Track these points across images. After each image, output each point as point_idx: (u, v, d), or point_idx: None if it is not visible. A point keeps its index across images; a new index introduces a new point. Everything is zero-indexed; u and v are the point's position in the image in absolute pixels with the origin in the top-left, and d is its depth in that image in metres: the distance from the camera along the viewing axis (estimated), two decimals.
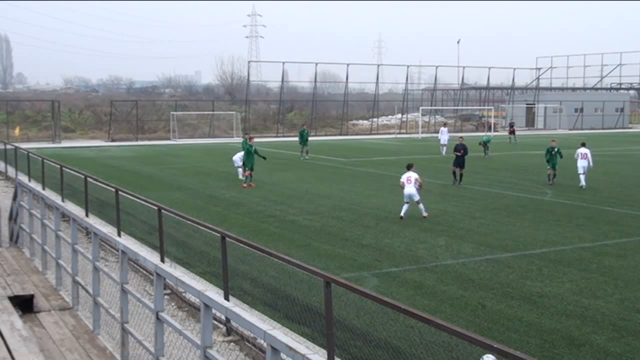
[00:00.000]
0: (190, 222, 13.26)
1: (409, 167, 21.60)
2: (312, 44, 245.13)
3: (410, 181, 20.82)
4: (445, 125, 51.91)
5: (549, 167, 29.59)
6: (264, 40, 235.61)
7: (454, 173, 29.13)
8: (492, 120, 71.63)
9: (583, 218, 21.10)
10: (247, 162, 28.42)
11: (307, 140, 42.15)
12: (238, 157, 30.09)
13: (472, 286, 13.40)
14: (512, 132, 58.38)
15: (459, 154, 28.97)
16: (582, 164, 28.54)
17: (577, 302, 12.41)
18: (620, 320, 11.42)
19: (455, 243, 17.31)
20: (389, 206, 23.06)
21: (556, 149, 29.42)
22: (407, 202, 20.77)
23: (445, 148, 45.20)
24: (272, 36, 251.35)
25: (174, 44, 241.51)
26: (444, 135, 46.21)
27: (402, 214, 20.77)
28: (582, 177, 28.34)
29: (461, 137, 31.20)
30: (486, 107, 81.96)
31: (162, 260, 13.31)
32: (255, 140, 31.31)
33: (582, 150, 29.07)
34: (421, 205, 20.88)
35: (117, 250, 9.70)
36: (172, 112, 63.51)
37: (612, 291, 13.15)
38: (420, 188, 20.91)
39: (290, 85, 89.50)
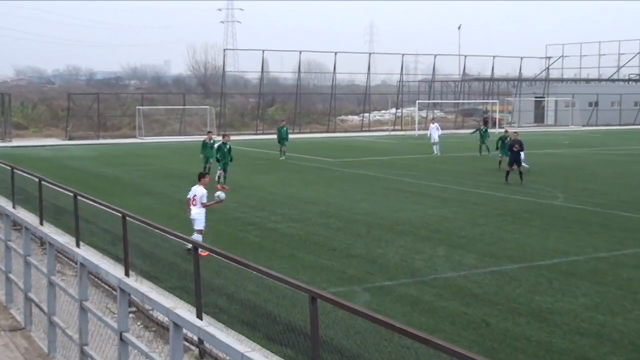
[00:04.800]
0: (159, 231, 13.21)
1: (200, 178, 17.45)
2: (296, 30, 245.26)
3: (195, 202, 16.93)
4: (434, 121, 52.02)
5: (500, 154, 34.39)
6: (242, 26, 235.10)
7: (508, 173, 30.71)
8: (498, 116, 71.93)
9: (597, 225, 21.21)
10: (221, 161, 28.72)
11: (286, 138, 42.02)
12: None
13: (475, 302, 13.44)
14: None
15: (516, 150, 30.80)
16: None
17: (592, 319, 12.47)
18: None
19: (456, 253, 17.35)
20: (383, 212, 23.11)
21: (509, 138, 33.34)
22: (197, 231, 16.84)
23: (438, 147, 45.15)
24: (250, 21, 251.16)
25: (141, 30, 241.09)
26: (434, 133, 46.15)
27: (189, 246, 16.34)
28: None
29: (516, 133, 33.11)
30: (490, 101, 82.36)
31: (127, 274, 13.26)
32: (214, 137, 32.31)
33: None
34: (195, 236, 16.29)
35: (76, 263, 9.66)
36: (138, 107, 63.39)
37: (631, 307, 13.22)
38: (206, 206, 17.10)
39: (271, 76, 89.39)
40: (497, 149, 35.28)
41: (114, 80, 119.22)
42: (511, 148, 31.30)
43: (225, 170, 28.79)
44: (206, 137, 32.21)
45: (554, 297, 13.72)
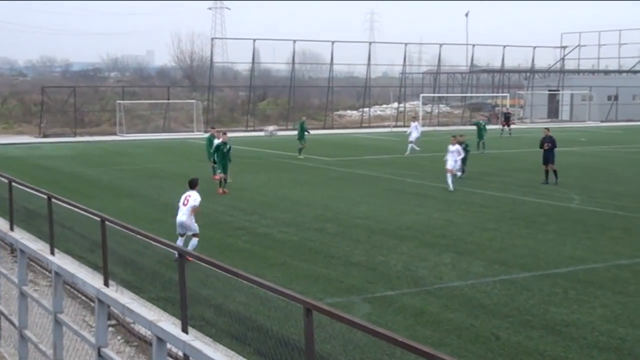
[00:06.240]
0: (141, 237, 13.20)
1: (192, 185, 17.67)
2: (290, 17, 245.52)
3: (187, 201, 17.25)
4: (415, 119, 51.96)
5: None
6: (231, 13, 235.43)
7: (547, 172, 30.78)
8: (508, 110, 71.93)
9: (619, 229, 21.25)
10: (219, 163, 28.08)
11: (302, 135, 42.10)
12: None
13: (484, 313, 13.45)
14: (506, 123, 59.42)
15: (547, 147, 30.94)
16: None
17: (611, 331, 12.49)
18: None
19: (463, 260, 17.36)
20: (384, 215, 23.11)
21: (463, 145, 31.51)
22: (181, 235, 17.12)
23: (411, 146, 44.64)
24: (240, 7, 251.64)
25: (121, 18, 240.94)
26: (414, 132, 45.93)
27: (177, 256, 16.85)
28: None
29: (547, 129, 33.06)
30: (500, 94, 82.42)
31: (106, 284, 13.25)
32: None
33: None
34: (194, 241, 17.02)
35: (50, 272, 9.64)
36: (118, 101, 63.26)
37: None
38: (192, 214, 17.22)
39: (263, 67, 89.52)
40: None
41: (91, 71, 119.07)
42: (542, 145, 31.40)
43: (225, 173, 28.14)
44: (217, 136, 30.49)
45: (570, 308, 13.73)
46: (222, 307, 13.62)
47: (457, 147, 30.07)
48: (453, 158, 29.53)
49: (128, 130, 61.36)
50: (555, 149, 31.23)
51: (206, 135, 29.71)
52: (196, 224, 17.17)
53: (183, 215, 17.00)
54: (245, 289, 13.06)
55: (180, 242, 16.66)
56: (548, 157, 30.95)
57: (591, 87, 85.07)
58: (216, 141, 29.93)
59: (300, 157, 41.03)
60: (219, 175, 28.14)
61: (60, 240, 18.06)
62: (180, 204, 17.28)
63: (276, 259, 17.50)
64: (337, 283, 15.46)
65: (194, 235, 17.04)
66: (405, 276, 15.98)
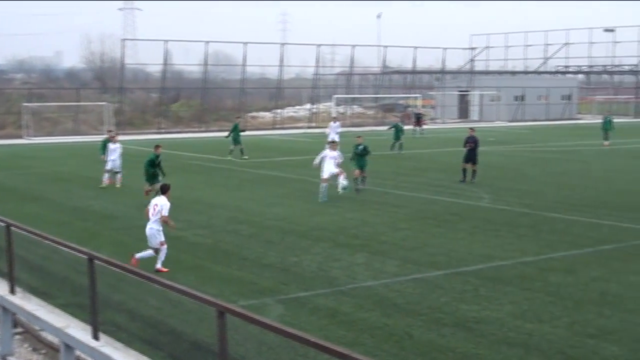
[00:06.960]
0: (48, 242, 12.93)
1: (163, 191, 17.04)
2: (202, 18, 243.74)
3: (154, 213, 16.49)
4: (335, 119, 52.31)
5: (355, 167, 29.20)
6: (142, 13, 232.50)
7: (464, 170, 31.33)
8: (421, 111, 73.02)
9: (526, 227, 21.75)
10: (149, 175, 27.04)
11: (237, 137, 42.21)
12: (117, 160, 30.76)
13: (397, 312, 13.61)
14: (418, 124, 60.57)
15: (469, 147, 31.66)
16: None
17: (519, 327, 12.78)
18: (570, 348, 11.83)
19: (377, 260, 17.53)
20: (297, 216, 23.17)
21: (362, 147, 29.40)
22: (155, 251, 16.65)
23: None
24: (151, 8, 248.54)
25: (28, 18, 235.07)
26: (333, 132, 46.18)
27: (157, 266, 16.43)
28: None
29: (472, 129, 33.63)
30: (412, 95, 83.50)
31: (12, 291, 12.95)
32: (118, 138, 32.59)
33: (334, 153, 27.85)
34: (146, 252, 16.55)
35: None
36: (24, 104, 61.83)
37: (559, 313, 13.61)
38: (165, 224, 16.62)
39: (175, 69, 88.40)
40: (352, 159, 29.30)
41: None
42: (465, 144, 32.04)
43: (153, 183, 27.03)
44: (113, 140, 31.56)
45: (480, 305, 14.01)
46: (134, 312, 13.47)
47: (337, 152, 27.48)
48: (334, 164, 26.92)
49: (35, 134, 59.98)
50: (478, 149, 31.95)
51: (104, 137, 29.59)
52: (161, 236, 16.48)
53: (152, 226, 16.46)
54: (158, 292, 12.92)
55: (147, 254, 16.53)
56: (470, 156, 31.65)
57: (499, 88, 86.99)
58: (112, 145, 30.73)
59: (245, 157, 41.02)
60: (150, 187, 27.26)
61: None
62: (151, 210, 16.56)
63: (190, 262, 17.39)
64: (251, 285, 15.44)
65: (157, 250, 16.47)
66: (319, 277, 16.06)
